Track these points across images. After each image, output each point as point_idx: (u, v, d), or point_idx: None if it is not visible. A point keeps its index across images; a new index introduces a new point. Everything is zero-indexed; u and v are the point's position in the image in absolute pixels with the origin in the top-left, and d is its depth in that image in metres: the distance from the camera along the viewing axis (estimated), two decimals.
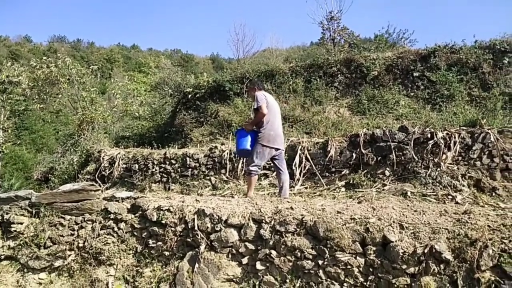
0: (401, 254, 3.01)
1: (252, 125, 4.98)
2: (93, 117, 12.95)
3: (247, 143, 4.90)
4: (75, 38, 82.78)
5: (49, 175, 12.72)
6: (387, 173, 5.71)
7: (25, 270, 4.63)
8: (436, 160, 5.51)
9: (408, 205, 3.91)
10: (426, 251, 2.95)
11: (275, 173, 5.64)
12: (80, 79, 14.42)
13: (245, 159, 5.41)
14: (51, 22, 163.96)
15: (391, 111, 8.97)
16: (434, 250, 2.92)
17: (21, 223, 4.81)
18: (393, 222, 3.27)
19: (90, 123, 12.85)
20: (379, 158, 5.90)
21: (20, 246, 4.71)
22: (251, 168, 4.91)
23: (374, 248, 3.17)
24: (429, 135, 5.65)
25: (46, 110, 21.54)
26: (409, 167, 5.63)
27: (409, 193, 4.97)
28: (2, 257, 4.75)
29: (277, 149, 4.95)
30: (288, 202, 4.34)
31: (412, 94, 9.43)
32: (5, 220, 4.81)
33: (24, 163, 19.07)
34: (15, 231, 4.74)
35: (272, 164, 5.38)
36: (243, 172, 6.86)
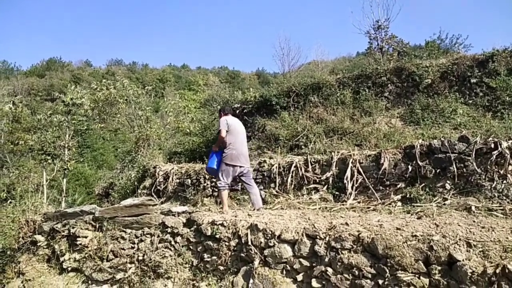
0: (470, 274, 2.81)
1: (216, 146, 5.61)
2: (148, 134, 13.60)
3: (213, 162, 5.52)
4: (130, 61, 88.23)
5: (109, 190, 13.48)
6: (447, 186, 5.37)
7: (89, 282, 4.90)
8: (501, 172, 5.11)
9: (474, 221, 3.66)
10: (497, 271, 2.74)
11: (244, 188, 6.03)
12: (136, 99, 15.31)
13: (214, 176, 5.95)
14: (109, 47, 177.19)
15: (448, 120, 8.48)
16: (507, 270, 2.70)
17: (86, 237, 5.13)
18: (459, 239, 3.07)
19: (146, 140, 13.49)
20: (437, 171, 5.58)
21: (84, 259, 5.00)
22: (218, 185, 5.51)
23: (439, 268, 2.99)
24: (492, 145, 5.27)
25: (106, 129, 23.11)
26: (472, 180, 5.26)
27: (473, 208, 4.62)
28: (69, 268, 5.09)
29: (241, 167, 5.49)
30: (342, 217, 4.24)
31: (470, 101, 8.88)
32: (71, 233, 5.17)
33: (86, 179, 20.30)
34: (80, 244, 5.06)
35: (240, 181, 5.80)
36: (292, 186, 6.83)
